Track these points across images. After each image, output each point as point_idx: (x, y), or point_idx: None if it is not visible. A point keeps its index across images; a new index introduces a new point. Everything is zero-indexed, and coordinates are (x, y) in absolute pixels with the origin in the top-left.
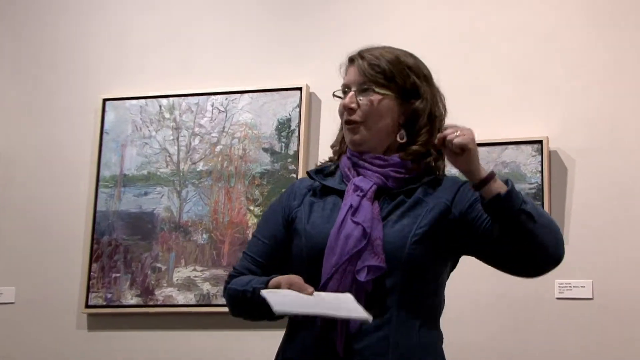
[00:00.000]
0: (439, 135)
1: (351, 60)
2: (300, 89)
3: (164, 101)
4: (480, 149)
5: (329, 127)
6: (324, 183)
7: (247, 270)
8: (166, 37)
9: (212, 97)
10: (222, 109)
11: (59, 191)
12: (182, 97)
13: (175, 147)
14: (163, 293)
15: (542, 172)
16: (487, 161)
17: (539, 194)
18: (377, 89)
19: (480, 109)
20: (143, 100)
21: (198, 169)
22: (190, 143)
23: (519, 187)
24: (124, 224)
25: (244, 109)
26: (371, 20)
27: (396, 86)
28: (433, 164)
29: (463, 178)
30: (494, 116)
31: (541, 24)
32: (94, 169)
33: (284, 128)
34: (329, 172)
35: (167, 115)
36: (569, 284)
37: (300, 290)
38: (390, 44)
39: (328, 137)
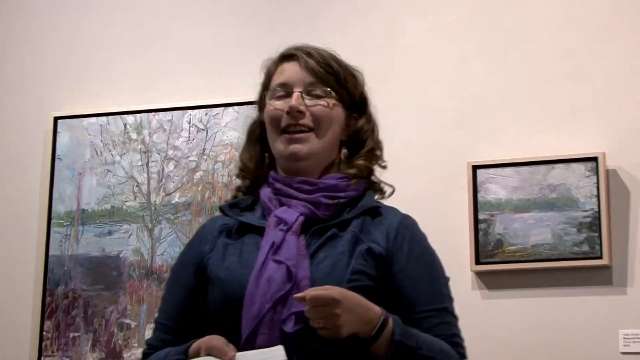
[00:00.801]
0: (298, 295)
1: (290, 56)
2: None
3: (129, 118)
4: (522, 169)
5: None
6: (241, 220)
7: (161, 342)
8: (132, 40)
9: (189, 112)
10: (202, 126)
11: (1, 232)
12: (152, 113)
13: (145, 175)
14: (133, 355)
15: (598, 196)
16: (530, 184)
17: (595, 222)
18: (331, 92)
19: (521, 119)
20: (104, 118)
21: (173, 201)
22: (163, 169)
23: (571, 215)
24: (84, 270)
25: (229, 126)
26: (377, 17)
27: (347, 94)
28: (371, 185)
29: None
30: (538, 128)
31: (594, 16)
32: (45, 204)
33: None
34: (245, 206)
35: (133, 136)
36: (636, 334)
37: (219, 355)
38: (401, 46)
39: None
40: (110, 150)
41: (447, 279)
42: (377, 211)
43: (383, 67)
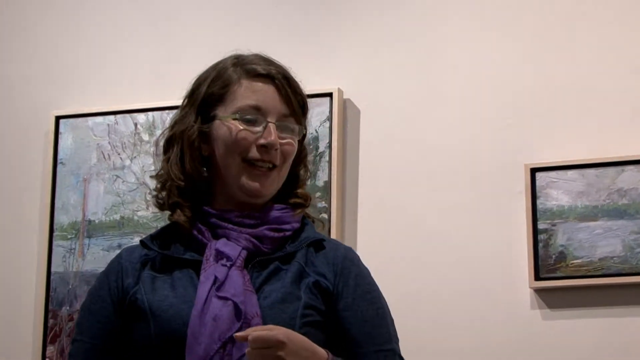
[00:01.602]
0: (240, 334)
1: (264, 76)
2: (330, 95)
3: (140, 117)
4: (588, 172)
5: (373, 146)
6: (166, 253)
7: None
8: (142, 29)
9: None
10: None
11: None
12: (167, 111)
13: None
14: None
15: None
16: (597, 189)
17: None
18: (301, 129)
19: (586, 115)
20: (112, 117)
21: None
22: None
23: None
24: None
25: None
26: (419, 3)
27: (303, 128)
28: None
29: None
30: (605, 125)
31: None
32: (46, 215)
33: (310, 150)
34: (166, 236)
35: (145, 137)
36: None
37: None
38: (447, 33)
39: (372, 160)
40: (119, 154)
41: (392, 319)
42: (320, 244)
43: (427, 58)
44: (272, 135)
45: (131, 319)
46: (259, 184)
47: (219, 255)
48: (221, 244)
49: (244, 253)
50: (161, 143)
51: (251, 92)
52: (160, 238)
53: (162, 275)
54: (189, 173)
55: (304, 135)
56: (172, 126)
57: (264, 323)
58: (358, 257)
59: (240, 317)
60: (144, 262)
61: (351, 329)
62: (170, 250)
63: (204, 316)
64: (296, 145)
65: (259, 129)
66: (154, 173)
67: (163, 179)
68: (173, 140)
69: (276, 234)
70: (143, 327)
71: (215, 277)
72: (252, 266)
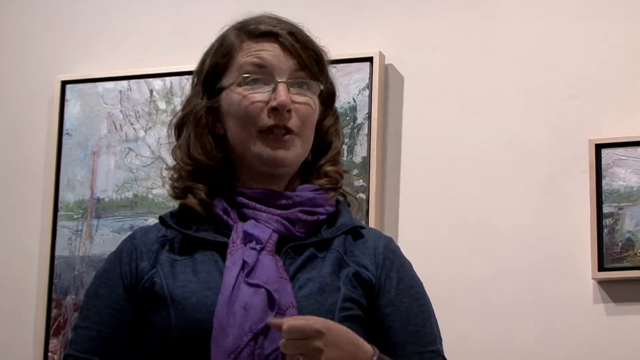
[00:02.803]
0: (274, 321)
1: (267, 34)
2: (369, 59)
3: (156, 83)
4: None
5: (417, 118)
6: (190, 233)
7: None
8: None
9: None
10: None
11: None
12: (185, 77)
13: None
14: None
15: None
16: None
17: None
18: (318, 85)
19: None
20: (124, 82)
21: None
22: None
23: None
24: None
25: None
26: None
27: (324, 84)
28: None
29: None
30: None
31: None
32: (49, 192)
33: (347, 121)
34: (186, 215)
35: (162, 105)
36: None
37: None
38: None
39: (416, 133)
40: (132, 124)
41: (435, 317)
42: (359, 232)
43: (482, 18)
44: (282, 95)
45: (147, 306)
46: (281, 149)
47: (248, 237)
48: (249, 226)
49: (275, 236)
50: (172, 129)
51: (252, 52)
52: (179, 217)
53: (182, 258)
54: (194, 157)
55: (332, 96)
56: (183, 109)
57: (301, 314)
58: (399, 248)
59: (274, 307)
60: (162, 244)
61: (393, 326)
62: (194, 230)
63: (233, 305)
64: (316, 105)
65: (267, 90)
66: (170, 146)
67: (178, 166)
68: (184, 123)
69: (310, 217)
70: (161, 316)
71: (244, 262)
72: (285, 251)
